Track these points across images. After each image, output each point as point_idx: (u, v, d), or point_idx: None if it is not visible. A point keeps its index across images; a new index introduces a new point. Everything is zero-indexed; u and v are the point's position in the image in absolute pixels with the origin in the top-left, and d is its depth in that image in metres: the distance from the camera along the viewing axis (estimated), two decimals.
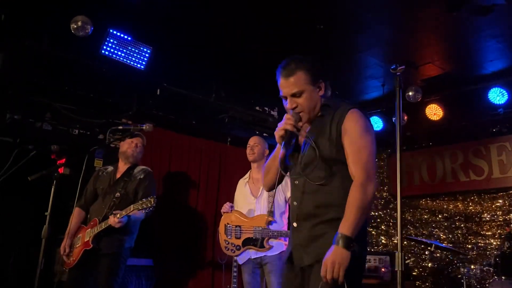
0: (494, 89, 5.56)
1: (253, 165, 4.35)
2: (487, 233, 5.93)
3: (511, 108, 5.70)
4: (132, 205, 3.70)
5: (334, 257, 1.92)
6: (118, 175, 4.17)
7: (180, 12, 4.52)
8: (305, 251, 2.17)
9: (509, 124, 5.89)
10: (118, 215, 3.69)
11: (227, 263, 5.45)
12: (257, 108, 6.49)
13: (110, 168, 4.31)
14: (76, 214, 4.13)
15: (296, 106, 2.22)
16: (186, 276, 5.87)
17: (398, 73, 1.98)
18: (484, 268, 4.14)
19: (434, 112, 6.06)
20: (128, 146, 4.20)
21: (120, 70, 4.80)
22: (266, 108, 6.57)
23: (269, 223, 3.97)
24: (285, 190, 4.13)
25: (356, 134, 2.13)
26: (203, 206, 6.24)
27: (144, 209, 3.66)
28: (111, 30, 4.52)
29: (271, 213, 4.01)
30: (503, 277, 3.78)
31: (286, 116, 2.20)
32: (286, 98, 2.25)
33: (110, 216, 3.74)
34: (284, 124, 2.16)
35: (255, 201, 4.16)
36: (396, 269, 1.82)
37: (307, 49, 5.25)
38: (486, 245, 5.89)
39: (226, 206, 4.23)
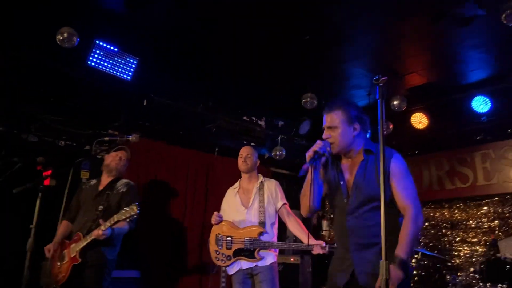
0: (477, 97, 5.65)
1: (244, 175, 4.32)
2: (473, 240, 5.99)
3: (494, 116, 5.79)
4: (115, 216, 3.69)
5: (395, 274, 2.22)
6: (100, 188, 4.17)
7: (167, 22, 4.55)
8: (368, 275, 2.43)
9: (493, 132, 5.98)
10: (102, 227, 3.68)
11: (214, 274, 5.43)
12: (245, 118, 6.52)
13: (94, 181, 4.31)
14: (64, 225, 4.14)
15: (329, 137, 2.63)
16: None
17: (380, 84, 2.01)
18: (470, 275, 4.16)
19: (419, 120, 6.14)
20: (112, 159, 4.23)
21: (107, 81, 4.80)
22: (254, 118, 6.61)
23: (261, 234, 3.96)
24: (275, 201, 4.14)
25: (402, 175, 2.51)
26: (190, 217, 6.22)
27: (128, 217, 3.65)
28: (97, 41, 4.53)
29: (262, 224, 4.01)
30: (488, 284, 3.81)
31: (317, 141, 2.59)
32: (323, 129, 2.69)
33: (94, 230, 3.73)
34: (313, 148, 2.56)
35: (246, 212, 4.12)
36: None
37: (293, 59, 5.31)
38: (472, 252, 5.95)
39: (216, 218, 4.12)
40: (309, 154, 2.55)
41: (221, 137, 6.38)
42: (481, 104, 5.64)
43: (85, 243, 3.79)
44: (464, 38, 4.73)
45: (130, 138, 3.64)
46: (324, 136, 2.64)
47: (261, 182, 4.26)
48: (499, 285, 3.77)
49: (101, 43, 4.55)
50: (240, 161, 4.30)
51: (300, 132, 6.76)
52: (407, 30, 4.69)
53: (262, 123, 6.76)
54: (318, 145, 2.55)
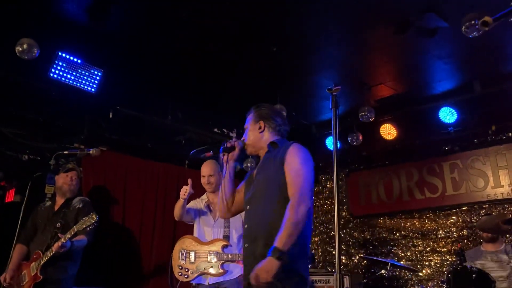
0: (444, 108, 5.72)
1: (211, 193, 4.26)
2: (442, 250, 6.02)
3: (461, 126, 5.88)
4: (74, 227, 3.73)
5: (265, 265, 2.19)
6: (56, 208, 4.21)
7: (131, 33, 4.49)
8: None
9: (460, 142, 6.07)
10: (62, 239, 3.71)
11: None
12: (216, 129, 6.45)
13: (48, 203, 4.33)
14: (18, 249, 4.09)
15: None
16: None
17: (334, 93, 2.00)
18: (439, 285, 4.17)
19: (388, 131, 6.18)
20: (63, 181, 4.24)
21: (70, 93, 4.68)
22: (225, 130, 6.54)
23: (225, 246, 3.95)
24: (242, 214, 4.08)
25: (294, 163, 2.48)
26: (161, 231, 6.08)
27: (88, 226, 3.70)
28: (60, 53, 4.42)
29: (226, 237, 4.00)
30: None
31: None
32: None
33: (54, 245, 3.73)
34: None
35: (213, 225, 4.12)
36: None
37: (261, 71, 5.29)
38: (442, 262, 5.99)
39: (188, 189, 3.85)
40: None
41: (191, 149, 6.27)
42: (447, 115, 5.71)
43: (46, 259, 3.78)
44: (429, 49, 4.79)
45: (91, 152, 3.57)
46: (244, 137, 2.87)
47: None
48: None
49: (63, 55, 4.44)
50: (203, 181, 4.21)
51: None
52: (373, 42, 4.73)
53: (233, 135, 6.69)
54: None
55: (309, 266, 3.81)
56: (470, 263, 4.36)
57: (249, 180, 2.76)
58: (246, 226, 2.63)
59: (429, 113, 5.86)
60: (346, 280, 6.09)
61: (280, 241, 2.22)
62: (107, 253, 5.27)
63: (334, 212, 2.38)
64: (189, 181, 3.83)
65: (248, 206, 2.65)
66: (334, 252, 7.08)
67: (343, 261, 6.99)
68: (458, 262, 4.09)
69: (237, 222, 4.06)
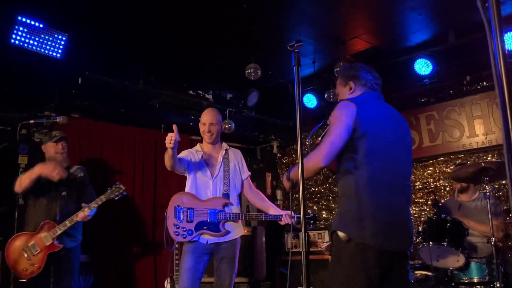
0: (419, 60, 5.67)
1: (207, 144, 3.91)
2: (420, 201, 6.14)
3: (436, 78, 5.88)
4: (102, 196, 3.90)
5: None
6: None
7: None
8: None
9: (436, 94, 6.07)
10: (86, 209, 3.85)
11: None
12: (191, 92, 6.35)
13: None
14: None
15: None
16: (126, 270, 5.73)
17: (296, 50, 1.93)
18: (416, 235, 4.26)
19: None
20: (55, 151, 4.18)
21: (35, 60, 4.52)
22: (200, 92, 6.44)
23: (226, 205, 3.69)
24: (242, 172, 3.93)
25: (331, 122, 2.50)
26: (140, 197, 6.09)
27: (117, 195, 3.91)
28: (19, 18, 4.22)
29: (226, 195, 3.73)
30: (430, 243, 3.90)
31: None
32: None
33: (78, 213, 3.86)
34: None
35: (211, 182, 3.77)
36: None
37: (233, 29, 5.16)
38: (420, 212, 6.11)
39: (174, 137, 3.40)
40: None
41: (166, 113, 6.20)
42: (423, 67, 5.68)
43: (64, 228, 3.84)
44: (402, 0, 4.70)
45: (58, 119, 3.48)
46: None
47: (226, 150, 3.93)
48: (441, 243, 3.86)
49: (24, 19, 4.25)
50: (203, 129, 3.83)
51: (249, 104, 6.65)
52: None
53: (209, 96, 6.60)
54: None
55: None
56: (445, 213, 4.45)
57: None
58: None
59: (404, 66, 5.82)
60: (327, 234, 6.22)
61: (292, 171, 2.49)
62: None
63: None
64: (174, 127, 3.41)
65: None
66: (314, 207, 7.18)
67: (324, 215, 7.11)
68: (433, 212, 4.15)
69: (237, 179, 3.88)
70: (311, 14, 4.99)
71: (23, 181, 3.92)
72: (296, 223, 3.64)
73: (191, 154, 3.86)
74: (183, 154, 3.84)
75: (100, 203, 3.91)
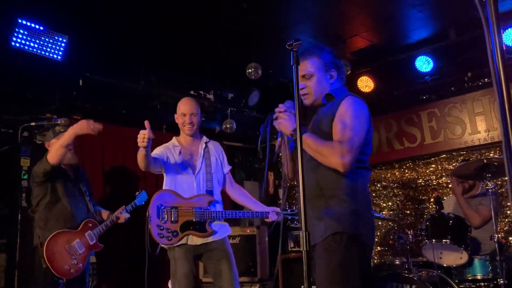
0: (420, 57, 5.67)
1: (186, 136, 3.67)
2: (423, 198, 6.13)
3: (438, 75, 5.86)
4: (136, 200, 4.23)
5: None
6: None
7: None
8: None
9: (437, 90, 6.06)
10: (126, 212, 4.13)
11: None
12: (192, 92, 6.35)
13: None
14: None
15: (304, 87, 2.43)
16: (131, 271, 5.73)
17: (294, 49, 1.93)
18: (418, 233, 4.25)
19: (365, 84, 6.14)
20: None
21: (36, 62, 4.52)
22: (202, 92, 6.44)
23: (210, 203, 3.47)
24: (224, 164, 3.75)
25: (345, 115, 2.28)
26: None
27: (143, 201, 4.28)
28: (20, 20, 4.23)
29: (210, 192, 3.51)
30: (433, 240, 3.89)
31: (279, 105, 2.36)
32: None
33: (120, 215, 4.08)
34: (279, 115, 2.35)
35: (194, 178, 3.53)
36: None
37: (234, 28, 5.16)
38: (423, 209, 6.11)
39: (147, 134, 3.16)
40: (281, 127, 2.34)
41: (168, 113, 6.19)
42: (424, 64, 5.67)
43: (106, 228, 3.98)
44: None
45: (59, 122, 3.47)
46: (300, 86, 2.42)
47: (206, 143, 3.70)
48: (444, 240, 3.85)
49: (24, 22, 4.26)
50: (183, 121, 3.58)
51: (250, 104, 6.66)
52: None
53: (210, 96, 6.60)
54: (280, 109, 2.33)
55: None
56: (448, 209, 4.44)
57: None
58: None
59: (405, 63, 5.81)
60: None
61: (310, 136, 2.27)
62: None
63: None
64: (146, 123, 3.17)
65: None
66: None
67: None
68: (436, 209, 4.14)
69: (219, 174, 3.67)
70: (311, 12, 4.98)
71: (57, 150, 3.60)
72: (284, 220, 3.52)
73: (167, 149, 3.60)
74: (157, 150, 3.58)
75: (135, 206, 4.20)
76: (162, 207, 3.41)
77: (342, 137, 2.22)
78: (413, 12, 5.02)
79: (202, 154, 3.61)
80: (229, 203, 4.55)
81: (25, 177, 4.81)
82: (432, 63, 5.61)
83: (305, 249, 1.61)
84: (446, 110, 5.97)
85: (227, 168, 3.77)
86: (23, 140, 3.86)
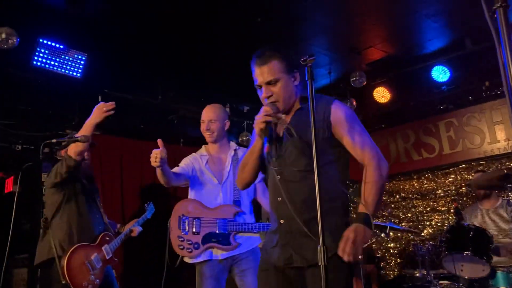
0: (436, 67, 5.65)
1: (212, 144, 3.47)
2: (442, 209, 6.06)
3: (454, 84, 5.83)
4: (146, 213, 4.31)
5: (356, 234, 1.88)
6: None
7: (111, 14, 4.40)
8: (296, 251, 2.07)
9: (454, 100, 6.02)
10: (137, 226, 4.08)
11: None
12: None
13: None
14: None
15: (271, 94, 2.17)
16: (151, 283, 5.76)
17: (308, 64, 1.94)
18: (438, 244, 4.19)
19: (382, 95, 6.13)
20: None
21: (56, 80, 4.64)
22: None
23: (237, 214, 3.26)
24: None
25: (348, 121, 2.16)
26: (164, 213, 6.12)
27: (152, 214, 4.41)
28: (41, 40, 4.35)
29: (237, 202, 3.29)
30: (453, 252, 3.83)
31: (264, 108, 2.11)
32: (260, 87, 2.21)
33: (133, 228, 4.03)
34: (264, 117, 2.06)
35: (220, 188, 3.33)
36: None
37: (249, 43, 5.20)
38: (443, 221, 6.02)
39: (161, 153, 3.00)
40: (260, 127, 2.06)
41: (185, 127, 6.27)
42: (440, 74, 5.65)
43: (121, 241, 3.83)
44: (417, 8, 4.70)
45: (79, 138, 3.50)
46: (265, 95, 2.17)
47: (235, 150, 3.47)
48: (465, 252, 3.79)
49: (45, 42, 4.38)
50: (202, 128, 3.39)
51: None
52: (359, 4, 4.63)
53: (227, 109, 6.65)
54: (268, 112, 2.07)
55: None
56: (468, 221, 4.37)
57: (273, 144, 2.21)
58: (279, 199, 2.15)
59: (421, 73, 5.80)
60: None
61: (369, 207, 1.96)
62: None
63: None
64: (159, 142, 3.05)
65: (279, 176, 2.17)
66: None
67: None
68: (455, 220, 4.08)
69: None
70: (325, 25, 5.02)
71: (77, 145, 3.44)
72: None
73: (194, 159, 3.44)
74: (184, 162, 3.45)
75: (145, 219, 4.22)
76: (184, 217, 3.25)
77: (363, 150, 2.11)
78: (428, 23, 5.01)
79: (230, 161, 3.40)
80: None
81: None
82: (448, 72, 5.59)
83: (323, 263, 1.62)
84: (464, 119, 5.92)
85: (258, 177, 3.65)
86: (44, 157, 3.88)
